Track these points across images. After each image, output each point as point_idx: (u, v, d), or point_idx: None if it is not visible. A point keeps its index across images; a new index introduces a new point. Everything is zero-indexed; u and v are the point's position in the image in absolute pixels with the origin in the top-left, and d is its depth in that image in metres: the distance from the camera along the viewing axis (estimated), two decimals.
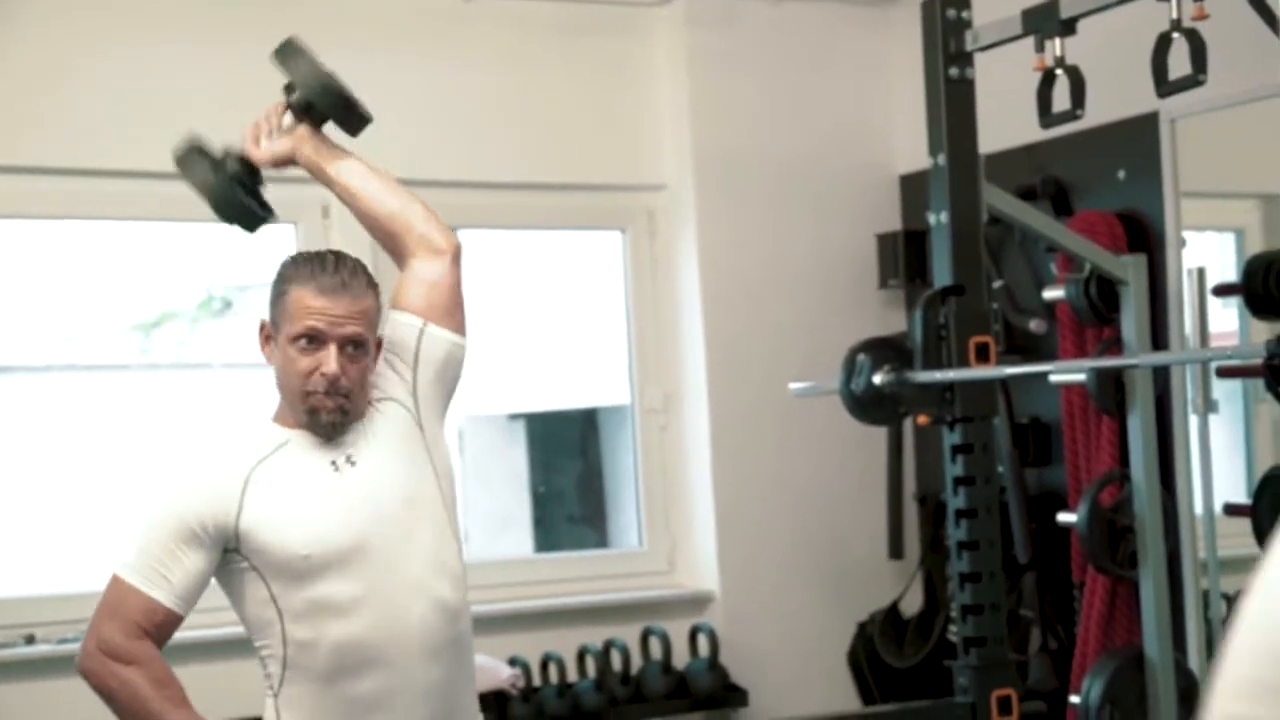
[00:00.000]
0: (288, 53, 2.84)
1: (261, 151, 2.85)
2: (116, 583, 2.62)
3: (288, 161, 2.87)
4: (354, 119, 2.87)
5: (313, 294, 2.64)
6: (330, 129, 2.88)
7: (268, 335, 2.72)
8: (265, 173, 2.90)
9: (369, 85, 2.99)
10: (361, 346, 2.67)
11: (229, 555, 2.64)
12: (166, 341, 5.35)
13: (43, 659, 4.09)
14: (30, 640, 4.15)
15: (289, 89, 2.85)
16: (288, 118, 2.86)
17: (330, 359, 2.63)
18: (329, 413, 2.66)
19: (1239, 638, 0.87)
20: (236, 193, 2.85)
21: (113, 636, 2.59)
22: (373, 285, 2.71)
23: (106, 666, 2.59)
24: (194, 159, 2.86)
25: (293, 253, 2.79)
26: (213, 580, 2.68)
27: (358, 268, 2.71)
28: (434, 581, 2.70)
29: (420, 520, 2.71)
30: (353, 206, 2.85)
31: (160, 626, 2.61)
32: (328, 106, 2.84)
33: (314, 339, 2.64)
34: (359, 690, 2.64)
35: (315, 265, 2.68)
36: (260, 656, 2.69)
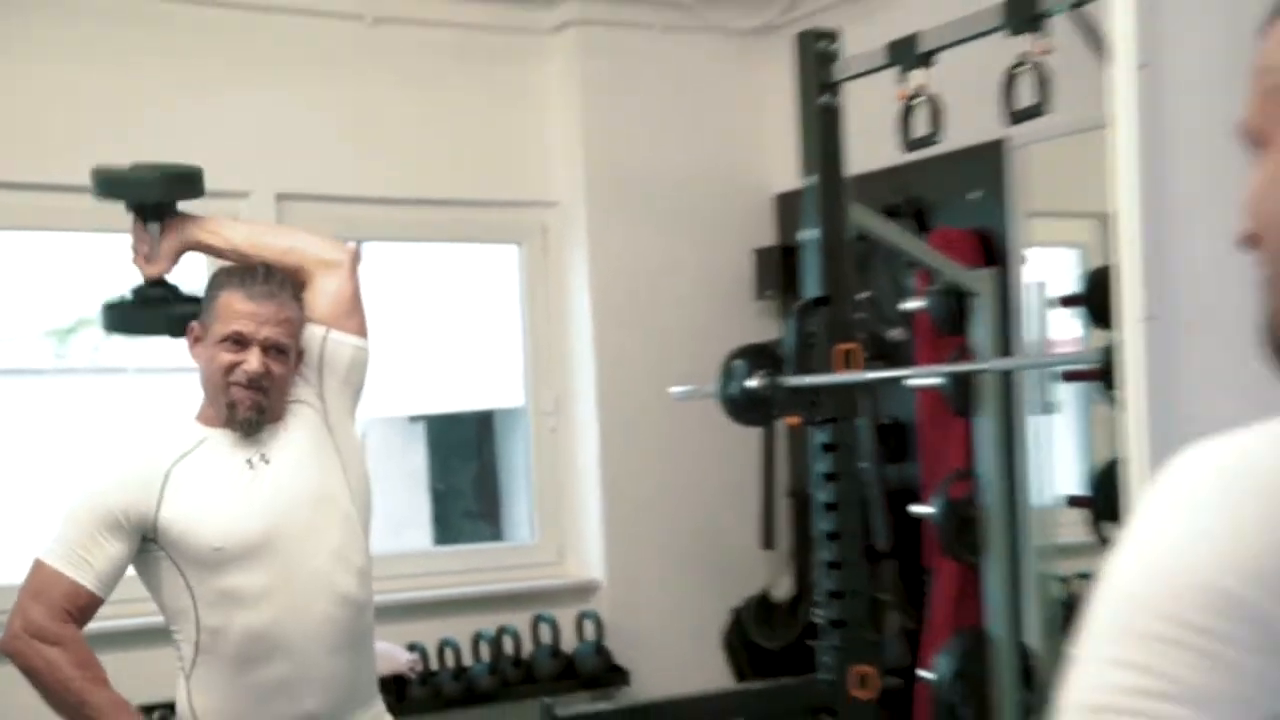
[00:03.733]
0: (102, 189, 2.85)
1: (154, 266, 2.85)
2: (40, 567, 2.62)
3: (180, 254, 2.86)
4: (186, 189, 2.86)
5: (241, 299, 2.67)
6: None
7: (197, 337, 2.74)
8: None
9: (284, 107, 3.00)
10: (284, 352, 2.70)
11: (147, 544, 2.64)
12: (82, 347, 5.27)
13: None
14: None
15: (128, 208, 2.85)
16: (152, 226, 2.85)
17: (253, 358, 2.65)
18: (246, 408, 2.67)
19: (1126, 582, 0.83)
20: (161, 314, 2.86)
21: (38, 618, 2.58)
22: (297, 299, 2.74)
23: (32, 646, 2.58)
24: (112, 318, 2.89)
25: (224, 266, 2.82)
26: (129, 571, 2.67)
27: (285, 281, 2.74)
28: (339, 576, 2.70)
29: (328, 518, 2.72)
30: (250, 260, 2.84)
31: (83, 609, 2.61)
32: (160, 200, 2.84)
33: (239, 340, 2.66)
34: (265, 676, 2.64)
35: (246, 275, 2.72)
36: (174, 640, 2.69)
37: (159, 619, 2.72)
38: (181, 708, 2.69)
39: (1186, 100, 2.08)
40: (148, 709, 2.73)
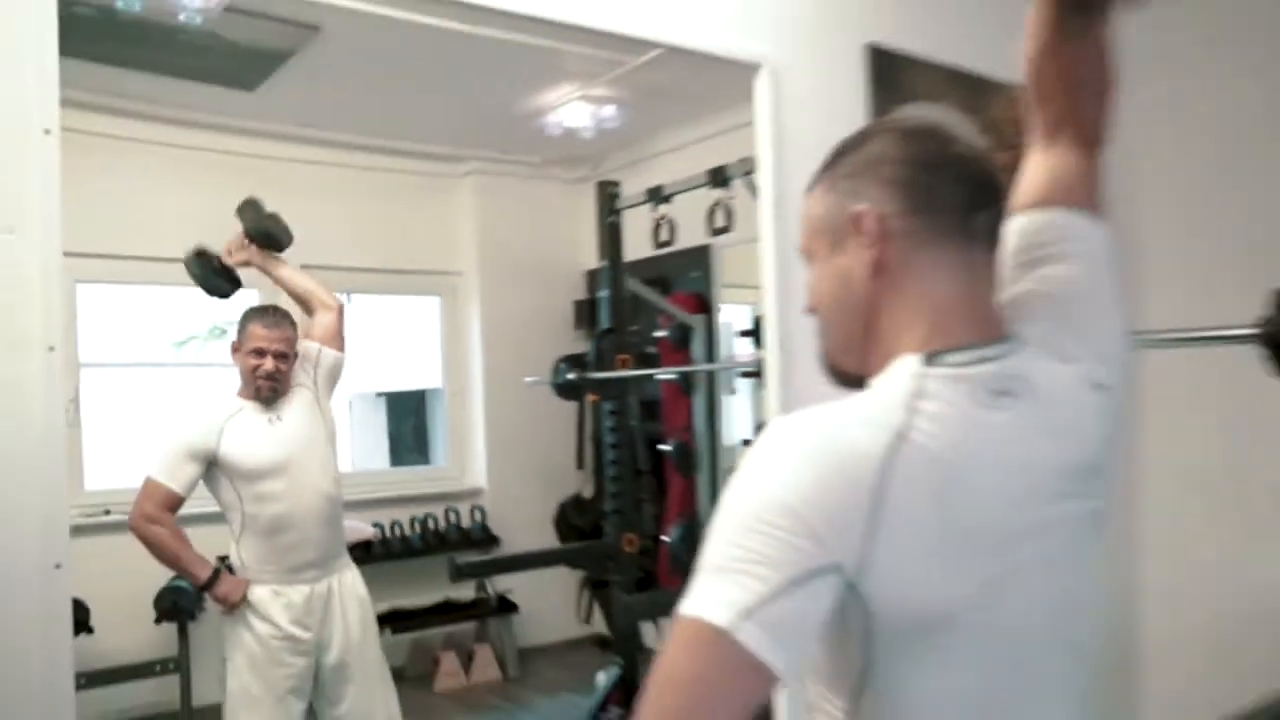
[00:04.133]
0: (242, 208, 2.78)
1: (232, 259, 2.78)
2: (150, 481, 2.54)
3: (248, 265, 2.79)
4: (278, 244, 2.80)
5: (261, 328, 2.61)
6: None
7: (235, 348, 2.66)
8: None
9: (302, 212, 2.86)
10: (286, 357, 2.64)
11: (211, 468, 2.57)
12: (190, 351, 5.11)
13: (114, 524, 3.78)
14: (107, 513, 3.85)
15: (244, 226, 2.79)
16: (247, 240, 2.78)
17: (268, 362, 2.59)
18: (266, 390, 2.62)
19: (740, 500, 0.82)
20: (216, 281, 2.77)
21: (149, 509, 2.50)
22: (293, 325, 2.68)
23: (147, 527, 2.50)
24: (194, 261, 2.78)
25: (251, 305, 2.73)
26: (201, 483, 2.59)
27: (287, 315, 2.69)
28: (323, 484, 2.66)
29: (315, 451, 2.68)
30: (284, 287, 2.79)
31: (174, 505, 2.54)
32: (262, 241, 2.78)
33: (260, 352, 2.59)
34: (282, 541, 2.59)
35: (262, 312, 2.66)
36: (228, 521, 2.62)
37: (219, 509, 2.63)
38: (234, 559, 2.62)
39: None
40: (220, 558, 2.63)
